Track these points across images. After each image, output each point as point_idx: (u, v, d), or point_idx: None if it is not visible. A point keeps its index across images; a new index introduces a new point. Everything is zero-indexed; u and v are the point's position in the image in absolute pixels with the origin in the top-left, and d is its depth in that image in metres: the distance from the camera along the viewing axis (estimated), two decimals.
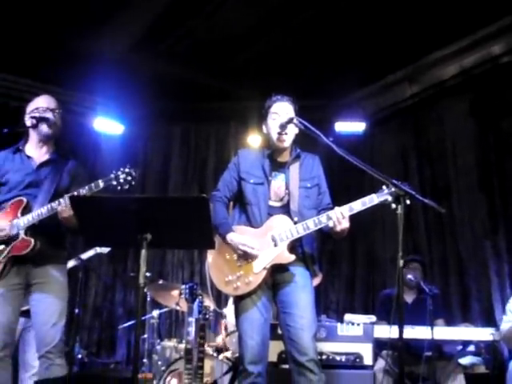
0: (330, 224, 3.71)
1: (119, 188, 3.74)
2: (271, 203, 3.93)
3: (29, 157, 4.16)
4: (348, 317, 4.94)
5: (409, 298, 5.63)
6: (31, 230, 3.93)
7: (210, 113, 8.35)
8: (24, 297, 4.02)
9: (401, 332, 3.33)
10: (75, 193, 3.79)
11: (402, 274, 3.35)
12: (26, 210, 3.95)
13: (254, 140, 7.78)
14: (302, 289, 3.84)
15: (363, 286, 7.68)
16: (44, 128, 4.11)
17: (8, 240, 3.92)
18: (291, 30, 6.58)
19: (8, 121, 7.20)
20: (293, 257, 3.80)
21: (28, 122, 4.10)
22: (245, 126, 7.95)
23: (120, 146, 8.00)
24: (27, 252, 3.88)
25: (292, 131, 3.94)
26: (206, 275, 4.03)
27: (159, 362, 5.82)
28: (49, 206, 3.87)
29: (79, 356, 6.45)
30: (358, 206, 3.72)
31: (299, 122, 3.84)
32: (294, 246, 3.86)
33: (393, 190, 3.55)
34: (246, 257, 3.81)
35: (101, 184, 3.76)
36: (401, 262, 3.31)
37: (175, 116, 8.45)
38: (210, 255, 3.97)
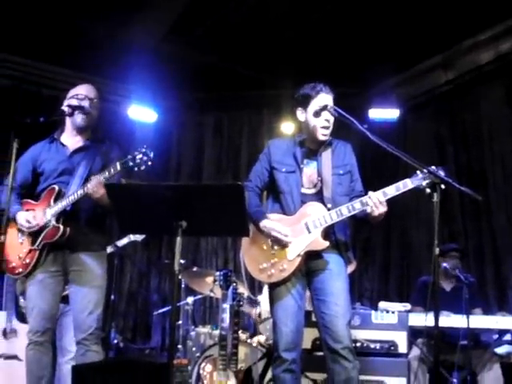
0: (368, 209, 3.69)
1: (136, 168, 3.73)
2: (304, 191, 3.93)
3: (63, 145, 4.20)
4: (382, 304, 4.92)
5: (447, 286, 5.58)
6: (64, 216, 3.98)
7: (243, 101, 8.34)
8: (64, 283, 4.08)
9: (436, 320, 3.31)
10: (101, 177, 3.80)
11: (437, 262, 3.33)
12: (59, 197, 3.99)
13: (287, 128, 7.75)
14: (337, 276, 3.84)
15: (397, 274, 7.63)
16: (78, 117, 4.13)
17: (42, 228, 3.98)
18: (324, 17, 6.53)
19: (40, 109, 7.40)
20: (326, 243, 3.80)
21: (65, 108, 4.12)
22: (278, 114, 7.93)
23: (153, 134, 8.05)
24: (57, 239, 3.93)
25: (332, 122, 3.92)
26: (240, 262, 4.05)
27: (194, 348, 5.87)
28: (77, 192, 3.91)
29: (115, 341, 6.54)
30: (392, 190, 3.69)
31: (334, 109, 3.82)
32: (328, 233, 3.85)
33: (427, 174, 3.53)
34: (279, 243, 3.82)
35: (118, 166, 3.77)
36: (436, 250, 3.29)
37: (208, 104, 8.47)
38: (244, 243, 3.99)
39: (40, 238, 3.97)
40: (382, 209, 3.68)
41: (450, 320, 4.78)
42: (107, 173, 3.81)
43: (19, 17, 6.59)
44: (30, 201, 4.14)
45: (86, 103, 4.14)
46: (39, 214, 4.00)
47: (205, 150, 8.67)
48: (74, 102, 4.13)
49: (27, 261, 4.00)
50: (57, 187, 4.02)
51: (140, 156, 3.71)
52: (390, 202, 3.70)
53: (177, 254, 3.13)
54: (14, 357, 5.10)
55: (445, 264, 5.37)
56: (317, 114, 3.89)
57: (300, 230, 3.82)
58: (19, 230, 4.08)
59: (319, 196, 3.90)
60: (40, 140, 4.28)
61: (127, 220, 3.32)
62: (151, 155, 3.72)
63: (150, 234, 5.71)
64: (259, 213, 3.92)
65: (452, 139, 7.44)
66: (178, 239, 3.14)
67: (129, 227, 3.41)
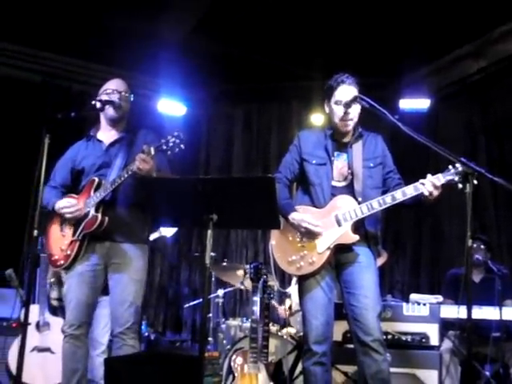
0: (426, 193, 3.60)
1: (169, 152, 3.74)
2: (334, 183, 3.90)
3: (100, 141, 4.25)
4: (414, 296, 4.89)
5: (476, 277, 5.52)
6: (103, 206, 4.00)
7: (273, 93, 8.32)
8: (104, 277, 4.10)
9: (469, 313, 3.27)
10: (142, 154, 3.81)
11: (470, 253, 3.29)
12: (98, 188, 4.03)
13: (317, 119, 7.72)
14: (366, 269, 3.82)
15: (429, 266, 7.57)
16: (109, 111, 4.19)
17: (82, 218, 4.01)
18: (355, 7, 6.48)
19: (71, 104, 7.47)
20: (356, 237, 3.77)
21: (97, 104, 4.16)
22: (307, 105, 7.89)
23: (183, 127, 8.05)
24: (95, 228, 3.95)
25: (356, 113, 3.88)
26: (269, 255, 4.04)
27: (224, 341, 5.90)
28: (113, 179, 3.94)
29: (146, 334, 6.59)
30: (412, 190, 3.67)
31: (363, 100, 3.79)
32: (358, 227, 3.82)
33: (459, 169, 3.48)
34: (309, 236, 3.81)
35: (152, 151, 3.78)
36: (469, 242, 3.25)
37: (237, 97, 8.47)
38: (273, 236, 3.98)
39: (80, 229, 4.00)
40: (436, 192, 3.62)
41: (483, 312, 4.73)
42: (153, 148, 3.79)
43: (49, 13, 6.65)
44: (72, 195, 4.19)
45: (115, 97, 4.18)
46: (78, 205, 4.04)
47: (234, 143, 8.68)
48: (104, 97, 4.17)
49: (68, 252, 4.03)
50: (97, 178, 4.07)
51: (173, 139, 3.72)
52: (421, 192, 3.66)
53: (208, 247, 3.13)
54: (47, 349, 5.17)
55: (477, 255, 5.31)
56: (337, 104, 3.87)
57: (330, 222, 3.79)
58: (61, 223, 4.13)
59: (349, 189, 3.87)
60: (71, 135, 4.33)
61: (159, 213, 3.34)
62: (183, 138, 3.73)
63: (181, 227, 5.73)
64: (288, 205, 3.90)
65: (484, 129, 7.34)
66: (209, 232, 3.14)
67: (161, 220, 3.43)
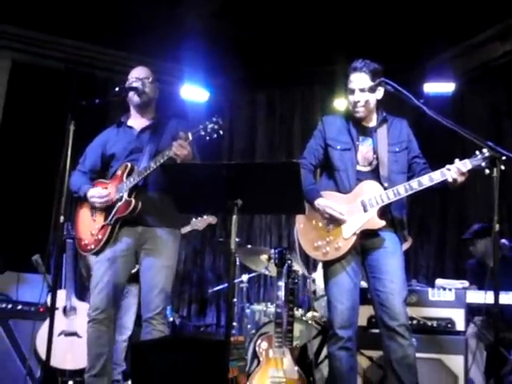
0: (449, 179, 3.60)
1: (208, 138, 3.77)
2: (359, 168, 3.90)
3: (130, 127, 4.30)
4: (440, 281, 4.87)
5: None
6: (136, 191, 4.03)
7: (296, 78, 8.27)
8: (133, 263, 4.15)
9: (496, 298, 3.26)
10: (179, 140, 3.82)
11: (497, 238, 3.27)
12: (131, 173, 4.06)
13: (340, 104, 7.67)
14: (392, 254, 3.82)
15: (454, 251, 7.51)
16: (134, 97, 4.24)
17: (114, 203, 4.05)
18: None
19: (95, 91, 7.51)
20: (383, 222, 3.76)
21: (120, 90, 4.20)
22: (331, 89, 7.82)
23: (206, 113, 8.06)
24: (128, 213, 3.99)
25: (367, 99, 3.87)
26: (294, 240, 4.05)
27: (249, 326, 5.93)
28: (147, 164, 3.97)
29: (171, 319, 6.64)
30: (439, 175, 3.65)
31: (388, 84, 3.76)
32: (384, 212, 3.82)
33: (486, 154, 3.45)
34: (334, 221, 3.80)
35: (190, 136, 3.80)
36: (497, 227, 3.23)
37: (260, 82, 8.43)
38: (298, 221, 3.99)
39: (112, 213, 4.04)
40: (461, 178, 3.61)
41: (510, 297, 4.70)
42: (190, 133, 3.82)
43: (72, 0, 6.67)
44: (102, 180, 4.25)
45: (137, 83, 4.22)
46: (112, 190, 4.09)
47: (257, 128, 8.65)
48: (126, 85, 4.22)
49: (99, 237, 4.07)
50: (129, 164, 4.11)
51: (211, 125, 3.74)
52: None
53: (233, 232, 3.13)
54: (74, 334, 5.24)
55: (503, 240, 5.29)
56: (349, 92, 3.90)
57: (356, 208, 3.80)
58: (91, 208, 4.16)
59: (375, 174, 3.86)
60: (95, 122, 4.38)
61: (184, 199, 3.35)
62: (221, 124, 3.74)
63: (206, 213, 5.75)
64: (314, 190, 3.90)
65: (509, 113, 7.24)
66: (234, 217, 3.14)
67: (186, 206, 3.44)
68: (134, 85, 4.21)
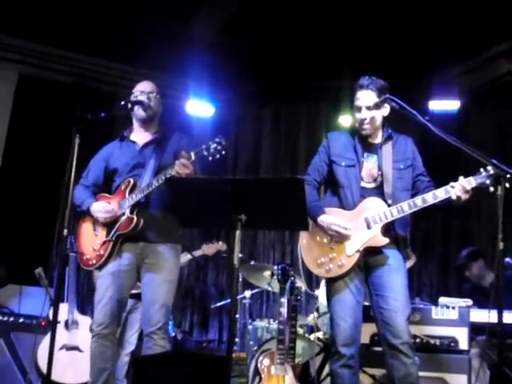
0: (453, 197, 3.59)
1: (210, 158, 3.76)
2: (364, 184, 3.90)
3: (133, 142, 4.31)
4: (443, 300, 4.85)
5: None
6: (138, 208, 4.03)
7: (301, 93, 8.29)
8: (136, 278, 4.13)
9: (500, 317, 3.23)
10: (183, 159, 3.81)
11: (502, 257, 3.25)
12: (134, 189, 4.06)
13: (345, 120, 7.68)
14: (396, 271, 3.81)
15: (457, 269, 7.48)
16: (139, 111, 4.25)
17: (117, 219, 4.05)
18: (384, 6, 6.43)
19: (101, 105, 7.53)
20: (386, 240, 3.76)
21: (127, 104, 4.19)
22: (336, 105, 7.84)
23: (211, 128, 8.08)
24: (130, 230, 3.99)
25: (373, 116, 3.88)
26: (297, 257, 4.04)
27: (251, 342, 5.90)
28: (150, 182, 3.96)
29: (173, 334, 6.61)
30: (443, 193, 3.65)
31: (394, 101, 3.77)
32: (388, 229, 3.81)
33: (491, 172, 3.45)
34: (338, 238, 3.80)
35: (193, 156, 3.80)
36: (501, 245, 3.21)
37: (265, 97, 8.45)
38: (302, 237, 3.98)
39: (114, 230, 4.04)
40: (465, 196, 3.60)
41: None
42: (185, 156, 3.81)
43: (78, 14, 6.70)
44: (105, 194, 4.25)
45: (143, 97, 4.22)
46: (114, 206, 4.08)
47: (262, 143, 8.65)
48: (132, 99, 4.22)
49: (101, 252, 4.07)
50: (132, 180, 4.11)
51: (214, 146, 3.73)
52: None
53: (236, 247, 3.13)
54: (76, 348, 5.22)
55: (507, 259, 5.25)
56: (355, 110, 3.92)
57: (359, 225, 3.79)
58: (94, 223, 4.17)
59: (379, 190, 3.86)
60: (101, 136, 4.38)
61: (187, 213, 3.35)
62: (225, 144, 3.74)
63: (209, 227, 5.77)
64: (317, 207, 3.89)
65: None
66: (238, 233, 3.14)
67: (189, 220, 3.43)
68: (140, 98, 4.22)
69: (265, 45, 7.32)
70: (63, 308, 5.28)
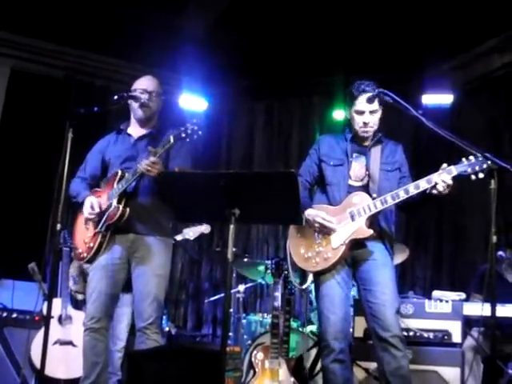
0: (434, 192, 3.64)
1: (188, 139, 3.74)
2: (351, 182, 3.96)
3: (129, 134, 4.29)
4: (436, 293, 4.86)
5: (510, 276, 5.46)
6: (125, 198, 4.01)
7: (294, 88, 8.29)
8: (127, 272, 4.11)
9: (493, 310, 3.25)
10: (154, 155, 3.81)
11: (493, 250, 3.27)
12: (121, 180, 4.04)
13: (338, 115, 7.69)
14: (382, 265, 3.86)
15: (450, 262, 7.50)
16: (138, 111, 4.23)
17: (105, 210, 4.03)
18: (376, 0, 6.44)
19: (94, 99, 7.51)
20: (371, 231, 3.80)
21: (121, 97, 4.13)
22: (329, 100, 7.85)
23: (204, 123, 8.05)
24: (116, 219, 3.96)
25: (375, 120, 3.95)
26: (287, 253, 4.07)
27: (245, 336, 5.90)
28: (134, 171, 3.93)
29: (167, 329, 6.61)
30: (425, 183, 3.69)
31: (387, 95, 3.79)
32: (373, 222, 3.86)
33: (473, 161, 3.52)
34: (323, 232, 3.85)
35: (171, 139, 3.77)
36: (494, 239, 3.23)
37: (258, 92, 8.45)
38: (290, 233, 4.05)
39: (103, 221, 4.02)
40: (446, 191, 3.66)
41: (507, 310, 4.69)
42: (161, 148, 3.82)
43: (71, 8, 6.68)
44: (97, 189, 4.24)
45: (144, 96, 4.19)
46: (104, 199, 4.08)
47: (255, 138, 8.66)
48: (132, 94, 4.19)
49: (91, 245, 4.06)
50: (119, 171, 4.08)
51: (191, 127, 3.73)
52: None
53: (230, 242, 3.13)
54: (69, 343, 5.21)
55: (500, 252, 5.27)
56: (357, 113, 3.94)
57: (344, 218, 3.84)
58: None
59: (365, 189, 3.92)
60: (94, 130, 4.36)
61: (181, 207, 3.35)
62: (201, 125, 3.75)
63: (203, 222, 5.73)
64: (305, 202, 3.95)
65: (508, 125, 7.25)
66: (232, 227, 3.14)
67: (182, 215, 3.43)
68: (142, 97, 4.17)
69: (258, 39, 7.30)
70: (57, 303, 5.26)
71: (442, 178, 3.61)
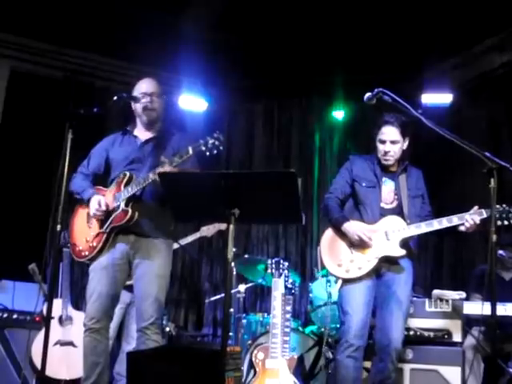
0: (462, 228, 4.11)
1: (208, 153, 3.75)
2: (382, 205, 4.32)
3: (135, 136, 4.28)
4: (437, 292, 4.87)
5: (507, 275, 5.45)
6: (133, 201, 4.02)
7: (293, 88, 8.28)
8: (128, 272, 4.11)
9: (493, 309, 3.25)
10: (171, 164, 3.82)
11: (494, 249, 3.27)
12: (129, 182, 4.04)
13: (338, 115, 7.70)
14: (405, 283, 4.22)
15: (451, 262, 7.50)
16: (142, 115, 4.24)
17: (111, 212, 4.03)
18: (376, 0, 6.44)
19: (93, 100, 7.51)
20: (403, 251, 4.17)
21: (120, 99, 4.12)
22: (328, 100, 7.87)
23: (204, 123, 8.06)
24: (124, 222, 3.97)
25: (396, 149, 4.29)
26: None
27: (245, 336, 5.90)
28: (147, 176, 3.93)
29: (167, 329, 6.61)
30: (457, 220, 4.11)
31: (386, 94, 3.80)
32: (405, 244, 4.21)
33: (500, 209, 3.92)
34: (360, 245, 4.19)
35: (190, 150, 3.78)
36: (494, 238, 3.24)
37: (258, 92, 8.43)
38: (324, 240, 4.38)
39: (108, 222, 4.02)
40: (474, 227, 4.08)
41: (507, 309, 4.68)
42: (178, 158, 3.82)
43: (70, 9, 6.67)
44: (100, 187, 4.23)
45: (146, 100, 4.19)
46: (109, 199, 4.07)
47: (255, 138, 8.64)
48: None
49: (94, 244, 4.06)
50: (128, 173, 4.09)
51: (212, 141, 3.73)
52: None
53: (230, 241, 3.14)
54: (70, 343, 5.21)
55: (501, 251, 5.27)
56: (380, 142, 4.31)
57: (380, 237, 4.20)
58: (88, 214, 4.14)
59: (396, 211, 4.28)
60: (94, 131, 4.36)
61: (181, 207, 3.35)
62: (222, 140, 3.75)
63: (203, 221, 5.75)
64: (343, 216, 4.32)
65: (507, 124, 7.24)
66: (231, 227, 3.15)
67: (182, 215, 3.44)
68: (144, 101, 4.18)
69: (257, 40, 7.30)
70: (57, 303, 5.26)
71: (472, 217, 4.03)
